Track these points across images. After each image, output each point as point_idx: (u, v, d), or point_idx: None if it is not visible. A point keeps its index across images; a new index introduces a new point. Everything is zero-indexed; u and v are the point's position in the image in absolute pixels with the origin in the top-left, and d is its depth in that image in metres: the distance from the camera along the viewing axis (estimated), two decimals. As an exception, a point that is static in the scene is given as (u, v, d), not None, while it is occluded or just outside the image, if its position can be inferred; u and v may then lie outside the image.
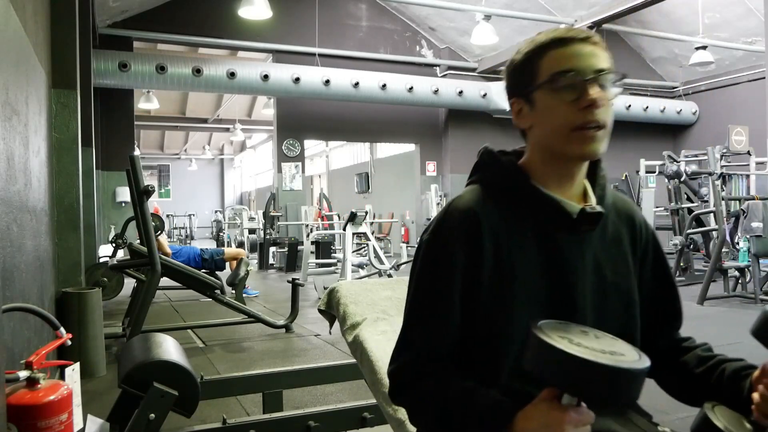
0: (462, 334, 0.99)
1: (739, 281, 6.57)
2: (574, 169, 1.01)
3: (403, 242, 12.09)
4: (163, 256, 4.36)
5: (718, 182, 7.26)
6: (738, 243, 6.41)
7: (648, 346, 1.04)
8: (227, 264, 7.01)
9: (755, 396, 0.92)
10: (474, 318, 0.98)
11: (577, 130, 0.95)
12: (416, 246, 1.05)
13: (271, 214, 10.62)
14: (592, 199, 1.03)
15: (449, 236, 0.99)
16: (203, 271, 5.72)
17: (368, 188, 11.57)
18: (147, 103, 13.00)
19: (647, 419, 1.05)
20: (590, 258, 1.01)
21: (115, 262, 5.46)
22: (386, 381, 1.31)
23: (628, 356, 0.78)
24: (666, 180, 8.29)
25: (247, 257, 7.55)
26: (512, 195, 1.01)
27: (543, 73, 0.97)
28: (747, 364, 1.03)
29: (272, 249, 10.84)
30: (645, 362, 0.77)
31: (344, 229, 7.16)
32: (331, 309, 1.66)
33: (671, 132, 14.25)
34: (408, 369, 0.98)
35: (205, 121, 20.35)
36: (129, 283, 6.12)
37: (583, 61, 0.96)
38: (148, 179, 22.91)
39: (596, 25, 9.65)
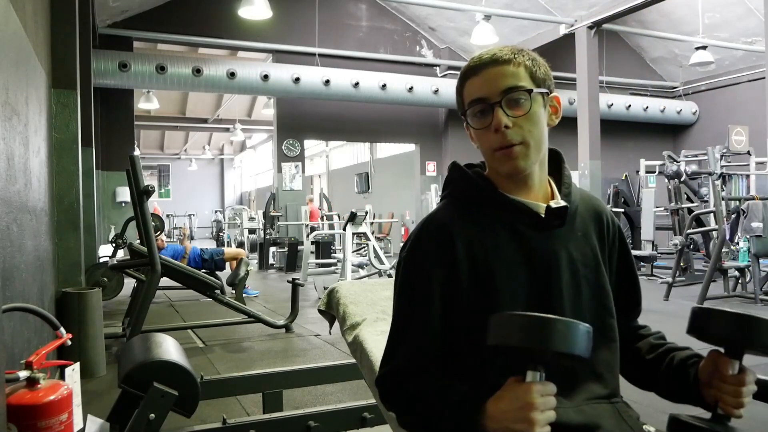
0: (448, 340, 1.04)
1: (739, 281, 6.57)
2: (522, 178, 1.07)
3: (403, 242, 12.07)
4: (163, 256, 4.36)
5: (718, 182, 7.26)
6: (738, 243, 6.41)
7: None
8: (227, 264, 7.02)
9: (714, 392, 0.98)
10: (459, 323, 1.03)
11: (498, 151, 1.03)
12: (396, 263, 1.11)
13: (271, 214, 10.62)
14: (558, 197, 1.09)
15: (424, 254, 1.06)
16: (203, 271, 5.72)
17: (368, 188, 11.57)
18: (147, 103, 13.00)
19: (636, 418, 1.09)
20: (563, 254, 1.06)
21: (115, 262, 5.46)
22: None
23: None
24: (666, 180, 8.29)
25: (247, 257, 7.56)
26: (482, 203, 1.08)
27: (465, 102, 1.06)
28: (694, 353, 1.10)
29: (272, 249, 10.84)
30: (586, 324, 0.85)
31: (344, 229, 7.16)
32: (331, 309, 1.66)
33: (671, 132, 14.25)
34: (394, 375, 1.05)
35: (205, 121, 20.35)
36: (129, 283, 6.12)
37: (490, 85, 1.02)
38: (148, 179, 22.93)
39: (596, 25, 9.65)
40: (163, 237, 6.98)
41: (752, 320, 0.92)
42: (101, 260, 6.93)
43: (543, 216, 1.05)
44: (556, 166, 1.14)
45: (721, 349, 0.99)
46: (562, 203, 1.06)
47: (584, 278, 1.08)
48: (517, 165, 1.03)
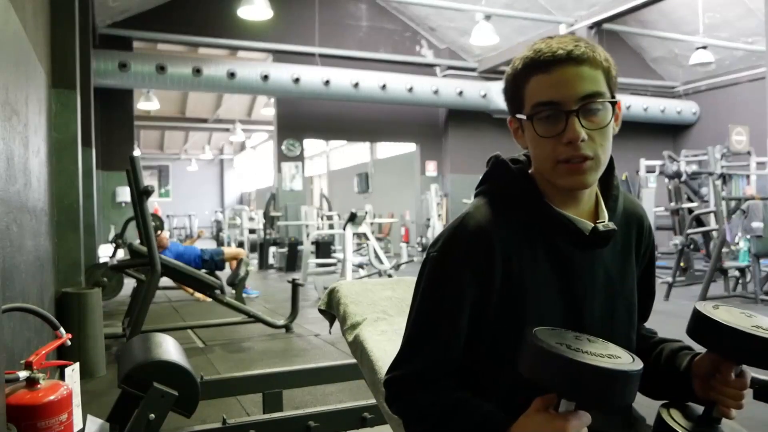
0: (468, 350, 0.99)
1: (739, 281, 6.56)
2: (573, 192, 0.98)
3: (403, 242, 12.09)
4: (163, 257, 4.36)
5: (718, 182, 7.26)
6: (738, 243, 6.41)
7: None
8: (227, 264, 7.02)
9: (714, 394, 0.94)
10: (482, 335, 0.97)
11: (563, 163, 0.92)
12: (423, 258, 1.03)
13: (271, 214, 10.62)
14: (604, 213, 1.00)
15: (459, 257, 0.96)
16: (203, 271, 5.72)
17: (368, 188, 11.57)
18: (147, 103, 12.99)
19: (643, 421, 1.07)
20: (601, 272, 1.01)
21: (115, 262, 5.46)
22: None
23: (623, 359, 0.79)
24: (666, 180, 8.29)
25: (247, 257, 7.56)
26: (524, 210, 0.99)
27: (527, 102, 0.94)
28: (685, 345, 1.08)
29: (272, 249, 10.84)
30: (639, 365, 0.79)
31: (344, 229, 7.16)
32: (331, 309, 1.66)
33: (671, 132, 14.25)
34: (407, 380, 0.98)
35: (204, 121, 20.35)
36: (129, 283, 6.12)
37: (567, 89, 0.90)
38: (148, 179, 22.94)
39: (596, 25, 9.65)
40: (165, 234, 6.95)
41: (755, 339, 0.87)
42: (101, 260, 6.93)
43: (587, 235, 0.96)
44: (605, 173, 1.00)
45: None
46: (611, 226, 0.97)
47: (620, 296, 1.03)
48: (584, 181, 0.93)
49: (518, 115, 0.98)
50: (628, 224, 1.06)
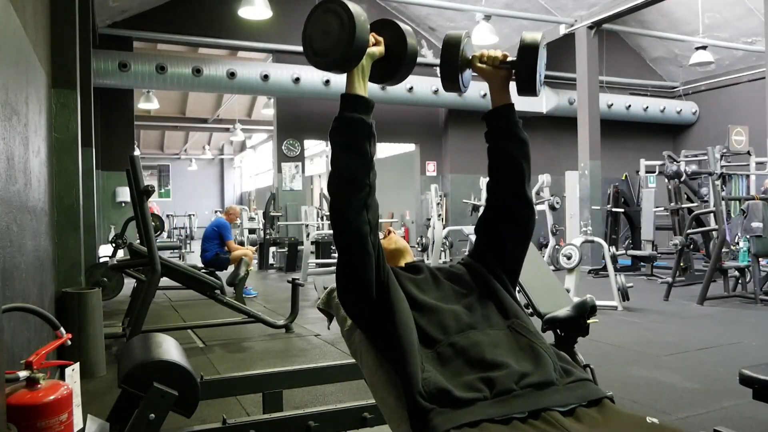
0: None
1: (739, 281, 6.56)
2: None
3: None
4: (163, 257, 4.36)
5: (718, 182, 7.26)
6: (738, 243, 6.41)
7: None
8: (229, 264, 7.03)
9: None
10: None
11: None
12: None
13: (271, 214, 10.62)
14: None
15: None
16: (203, 271, 5.72)
17: (368, 188, 11.56)
18: (147, 103, 13.00)
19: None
20: None
21: (115, 262, 5.46)
22: (385, 382, 1.31)
23: None
24: (666, 180, 8.29)
25: (254, 252, 7.63)
26: None
27: None
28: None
29: (272, 249, 10.84)
30: None
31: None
32: (331, 309, 1.66)
33: (671, 132, 14.25)
34: None
35: (205, 121, 20.35)
36: (129, 283, 6.12)
37: None
38: (148, 179, 22.92)
39: (596, 25, 9.65)
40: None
41: None
42: (101, 260, 6.93)
43: None
44: None
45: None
46: None
47: None
48: None
49: None
50: None
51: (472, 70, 1.56)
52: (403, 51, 1.45)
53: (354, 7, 1.31)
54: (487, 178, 1.55)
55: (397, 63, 1.46)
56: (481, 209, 1.59)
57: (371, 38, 1.40)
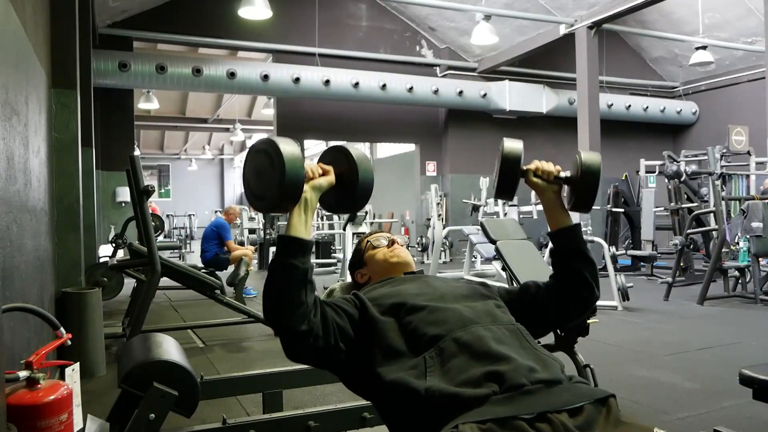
0: None
1: (739, 281, 6.56)
2: None
3: (403, 242, 12.07)
4: (163, 257, 4.35)
5: (718, 182, 7.26)
6: (738, 243, 6.41)
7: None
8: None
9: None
10: None
11: None
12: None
13: (271, 214, 10.60)
14: None
15: None
16: (203, 271, 5.72)
17: (368, 188, 11.56)
18: (147, 103, 12.99)
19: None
20: None
21: (115, 262, 5.46)
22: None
23: None
24: (666, 180, 8.29)
25: (253, 252, 7.61)
26: None
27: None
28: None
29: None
30: None
31: (344, 229, 7.16)
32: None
33: (671, 132, 14.25)
34: None
35: (205, 121, 20.35)
36: (129, 283, 6.12)
37: None
38: (148, 179, 22.89)
39: (596, 25, 9.65)
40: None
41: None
42: (101, 260, 6.92)
43: None
44: None
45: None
46: None
47: None
48: None
49: None
50: None
51: (524, 182, 1.50)
52: (355, 178, 1.35)
53: (284, 144, 1.25)
54: (549, 279, 1.60)
55: (352, 191, 1.36)
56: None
57: (316, 169, 1.34)
